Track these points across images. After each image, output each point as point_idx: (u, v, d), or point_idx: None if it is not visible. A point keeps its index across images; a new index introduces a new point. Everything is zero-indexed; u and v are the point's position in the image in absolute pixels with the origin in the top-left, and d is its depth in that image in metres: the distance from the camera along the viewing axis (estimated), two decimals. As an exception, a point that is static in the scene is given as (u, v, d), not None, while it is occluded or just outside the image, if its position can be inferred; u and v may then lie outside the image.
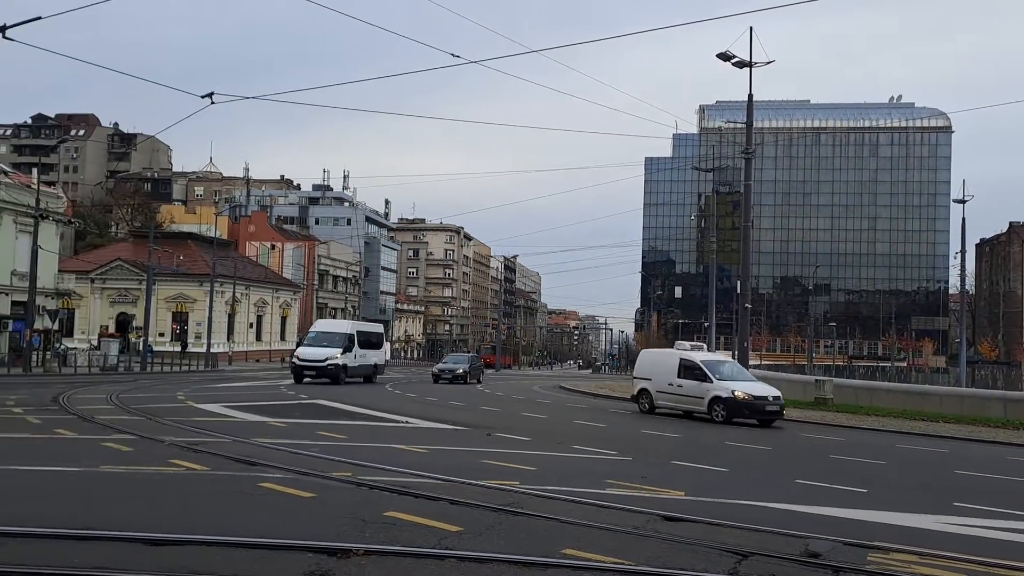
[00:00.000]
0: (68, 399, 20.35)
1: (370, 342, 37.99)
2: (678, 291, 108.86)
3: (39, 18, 10.37)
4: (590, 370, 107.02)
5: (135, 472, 9.49)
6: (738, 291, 34.49)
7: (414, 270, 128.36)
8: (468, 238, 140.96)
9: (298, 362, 34.11)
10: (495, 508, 7.99)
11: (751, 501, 9.29)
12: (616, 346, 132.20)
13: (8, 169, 49.63)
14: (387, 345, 67.17)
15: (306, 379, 32.93)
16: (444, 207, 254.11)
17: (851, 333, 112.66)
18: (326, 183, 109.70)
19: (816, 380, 30.78)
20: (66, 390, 23.76)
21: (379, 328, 43.54)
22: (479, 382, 41.79)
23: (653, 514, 8.00)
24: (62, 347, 44.75)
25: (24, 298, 38.25)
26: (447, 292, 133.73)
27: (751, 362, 33.89)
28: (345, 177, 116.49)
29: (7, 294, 41.77)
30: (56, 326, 44.26)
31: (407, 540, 6.53)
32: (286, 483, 8.96)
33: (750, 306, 30.37)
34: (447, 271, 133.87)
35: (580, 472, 11.37)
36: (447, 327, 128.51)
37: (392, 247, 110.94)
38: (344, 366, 33.82)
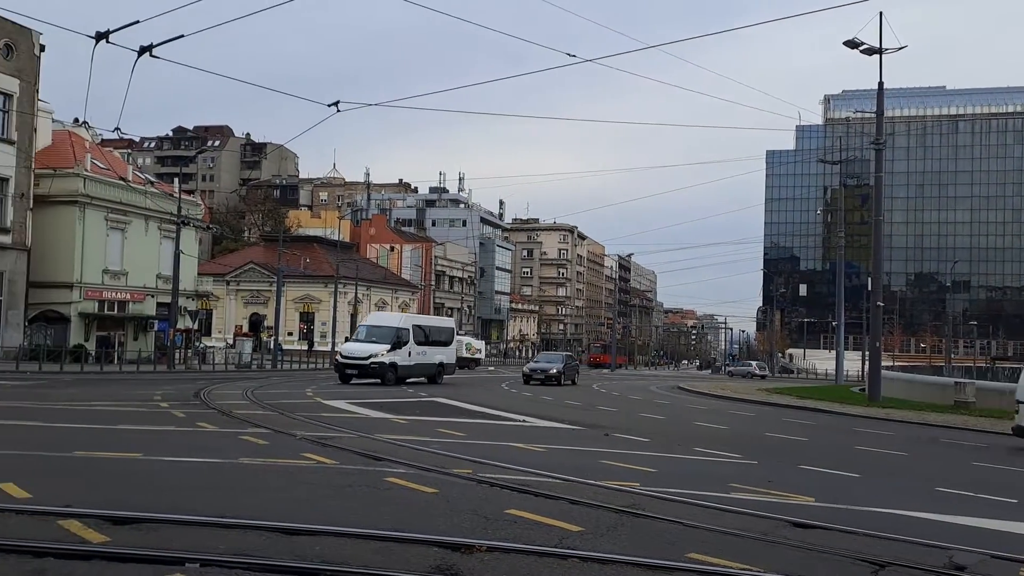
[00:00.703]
0: (208, 394, 21.66)
1: (433, 339, 33.90)
2: (803, 289, 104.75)
3: (181, 36, 11.07)
4: (708, 370, 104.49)
5: (271, 464, 9.98)
6: (869, 288, 32.87)
7: (528, 270, 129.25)
8: (582, 237, 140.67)
9: (340, 359, 31.05)
10: (616, 509, 7.92)
11: (887, 509, 8.81)
12: (736, 346, 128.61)
13: (153, 179, 53.36)
14: (480, 344, 65.33)
15: (352, 380, 29.66)
16: (558, 206, 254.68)
17: (993, 332, 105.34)
18: (442, 185, 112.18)
19: (956, 383, 28.82)
20: (206, 386, 25.29)
21: (446, 323, 39.60)
22: (574, 383, 38.06)
23: (782, 520, 7.73)
24: (201, 345, 47.72)
25: (168, 299, 41.01)
26: (561, 291, 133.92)
27: (883, 363, 32.23)
28: (460, 179, 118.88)
29: (153, 296, 44.88)
30: (196, 326, 47.24)
31: (528, 538, 6.57)
32: (410, 478, 9.19)
33: (882, 304, 28.92)
34: (561, 270, 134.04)
35: (702, 475, 11.13)
36: (561, 326, 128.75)
37: (506, 247, 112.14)
38: (392, 364, 30.11)
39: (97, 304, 41.72)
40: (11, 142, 36.51)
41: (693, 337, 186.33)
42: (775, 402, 30.39)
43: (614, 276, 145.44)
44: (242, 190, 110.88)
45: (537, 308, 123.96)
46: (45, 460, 9.67)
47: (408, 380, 31.26)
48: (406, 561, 5.71)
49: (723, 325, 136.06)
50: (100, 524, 6.26)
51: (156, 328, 44.10)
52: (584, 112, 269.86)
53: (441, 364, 33.97)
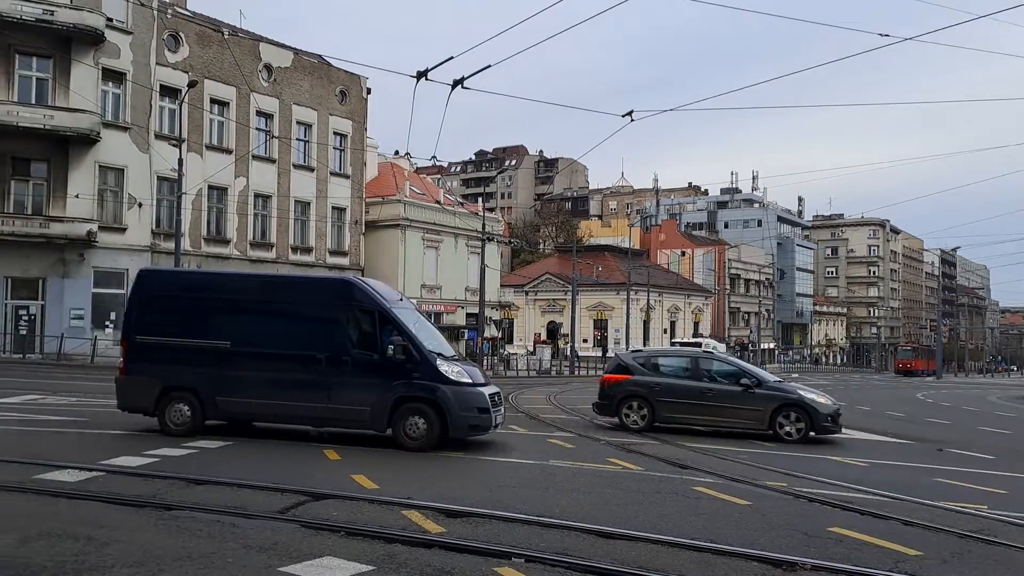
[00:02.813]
0: (515, 399, 22.96)
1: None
2: None
3: (488, 67, 11.94)
4: None
5: (579, 467, 10.29)
6: None
7: (833, 269, 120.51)
8: (895, 231, 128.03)
9: None
10: (960, 533, 7.05)
11: None
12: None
13: (462, 201, 58.18)
14: (722, 347, 56.80)
15: None
16: (866, 200, 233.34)
17: None
18: (734, 186, 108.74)
19: None
20: (513, 390, 26.81)
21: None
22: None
23: None
24: (505, 352, 50.88)
25: (476, 310, 44.32)
26: (872, 292, 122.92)
27: None
28: (754, 178, 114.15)
29: (463, 307, 48.83)
30: (500, 334, 50.49)
31: (858, 559, 6.07)
32: (719, 488, 8.96)
33: None
34: (871, 269, 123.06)
35: (1068, 500, 9.51)
36: (873, 330, 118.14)
37: (807, 246, 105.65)
38: None
39: (418, 316, 46.29)
40: (346, 176, 41.97)
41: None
42: None
43: (936, 273, 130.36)
44: (536, 204, 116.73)
45: (845, 310, 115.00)
46: (385, 455, 10.81)
47: None
48: (725, 574, 5.56)
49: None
50: (436, 516, 6.89)
51: (466, 337, 47.84)
52: (901, 95, 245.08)
53: None
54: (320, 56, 41.43)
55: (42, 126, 29.11)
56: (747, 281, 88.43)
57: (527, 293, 70.95)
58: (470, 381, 11.33)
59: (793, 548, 6.36)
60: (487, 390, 11.53)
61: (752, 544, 6.35)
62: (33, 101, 29.61)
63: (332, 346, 11.25)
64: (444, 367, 11.18)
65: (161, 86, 33.21)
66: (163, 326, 11.73)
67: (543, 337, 65.16)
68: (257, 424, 12.38)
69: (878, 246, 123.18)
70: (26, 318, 30.16)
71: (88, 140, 30.07)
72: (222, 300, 11.88)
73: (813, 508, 8.17)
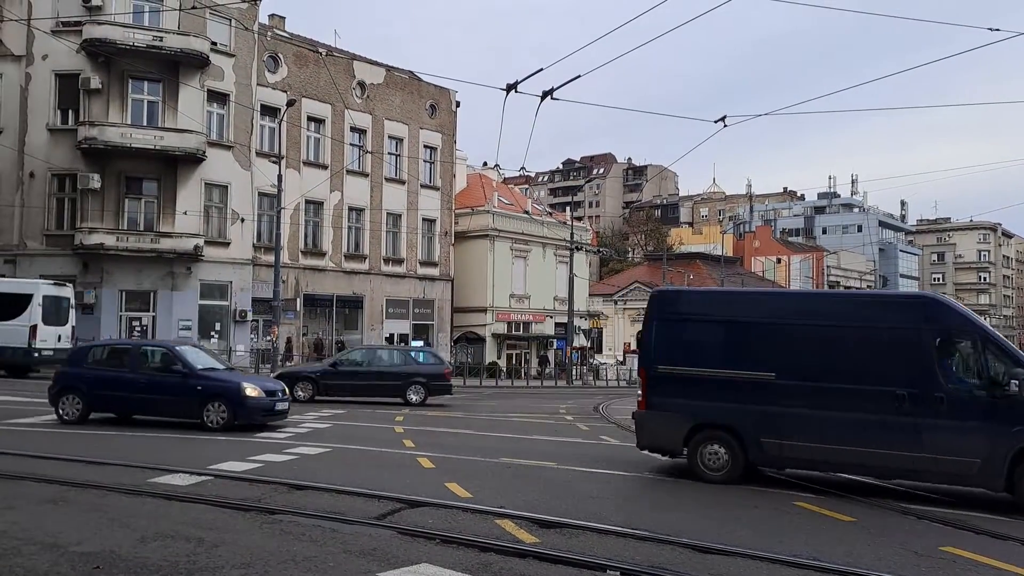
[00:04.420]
0: (605, 409, 22.84)
1: None
2: None
3: (578, 77, 11.97)
4: None
5: (674, 481, 10.13)
6: None
7: (939, 276, 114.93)
8: (1008, 235, 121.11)
9: None
10: (1088, 558, 6.59)
11: None
12: None
13: (550, 210, 58.29)
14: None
15: None
16: (974, 203, 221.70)
17: None
18: (832, 190, 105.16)
19: None
20: (602, 401, 26.67)
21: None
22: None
23: None
24: (594, 362, 50.56)
25: (564, 320, 44.25)
26: (983, 299, 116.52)
27: None
28: (853, 182, 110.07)
29: (551, 317, 48.81)
30: (589, 343, 50.20)
31: (974, 582, 5.76)
32: (821, 504, 8.67)
33: None
34: (982, 275, 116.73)
35: None
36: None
37: (912, 252, 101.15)
38: None
39: (506, 325, 46.56)
40: (436, 188, 42.68)
41: None
42: None
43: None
44: (625, 213, 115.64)
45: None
46: (478, 464, 10.95)
47: None
48: (829, 593, 5.37)
49: None
50: (529, 526, 6.90)
51: (555, 346, 47.81)
52: (1008, 92, 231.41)
53: None
54: (411, 72, 42.35)
55: (153, 147, 30.73)
56: (847, 288, 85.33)
57: (616, 302, 70.29)
58: None
59: (902, 568, 6.10)
60: None
61: (858, 563, 6.11)
62: (144, 123, 31.32)
63: (917, 380, 9.17)
64: None
65: (262, 106, 34.59)
66: (688, 354, 10.46)
67: (632, 347, 64.43)
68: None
69: (989, 251, 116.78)
70: (139, 329, 31.83)
71: (195, 159, 31.58)
72: (760, 323, 10.25)
73: (923, 526, 7.82)
